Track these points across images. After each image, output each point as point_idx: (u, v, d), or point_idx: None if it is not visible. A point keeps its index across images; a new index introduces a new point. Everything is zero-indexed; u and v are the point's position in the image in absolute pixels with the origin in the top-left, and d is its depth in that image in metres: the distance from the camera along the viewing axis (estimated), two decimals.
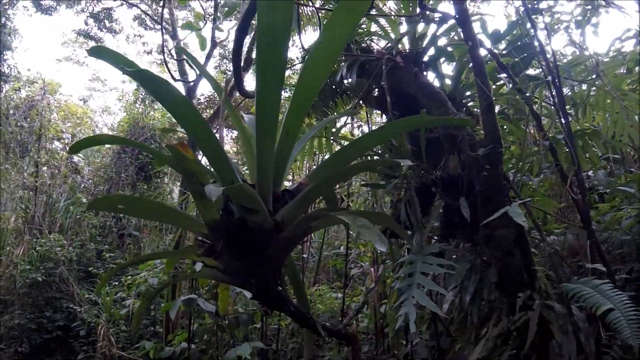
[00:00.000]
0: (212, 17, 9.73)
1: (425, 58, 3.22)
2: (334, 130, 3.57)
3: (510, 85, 3.06)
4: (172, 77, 3.83)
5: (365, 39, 3.54)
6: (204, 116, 11.10)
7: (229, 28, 11.66)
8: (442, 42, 3.31)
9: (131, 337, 7.54)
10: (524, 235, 2.27)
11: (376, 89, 3.38)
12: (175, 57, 9.95)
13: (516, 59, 3.07)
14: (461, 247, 2.45)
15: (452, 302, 2.34)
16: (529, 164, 3.13)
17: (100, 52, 1.22)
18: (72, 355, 8.28)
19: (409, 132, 2.70)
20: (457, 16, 2.59)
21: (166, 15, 11.42)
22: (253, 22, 2.52)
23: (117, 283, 8.45)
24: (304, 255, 5.52)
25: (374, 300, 3.91)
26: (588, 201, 2.63)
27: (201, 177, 1.21)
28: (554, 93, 2.68)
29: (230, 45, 12.12)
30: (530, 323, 2.05)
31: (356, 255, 5.77)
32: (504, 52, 3.18)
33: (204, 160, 1.48)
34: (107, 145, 12.61)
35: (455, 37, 3.42)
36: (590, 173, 4.15)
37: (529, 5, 3.10)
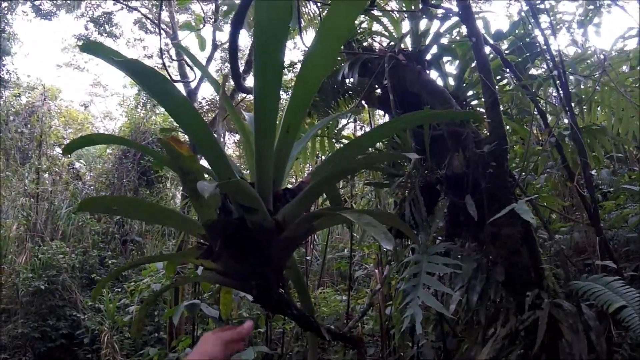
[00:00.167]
0: (213, 19, 9.72)
1: (428, 56, 3.19)
2: (336, 131, 3.54)
3: (513, 83, 3.04)
4: (171, 78, 3.80)
5: (367, 37, 3.52)
6: (206, 120, 11.11)
7: (230, 31, 11.61)
8: (444, 40, 3.28)
9: (135, 343, 7.51)
10: (531, 233, 2.24)
11: (378, 89, 3.36)
12: (175, 59, 9.93)
13: (519, 59, 3.05)
14: (467, 246, 2.41)
15: (458, 302, 2.30)
16: (534, 163, 3.10)
17: (92, 47, 1.18)
18: None
19: (413, 130, 2.67)
20: (460, 12, 2.56)
21: (167, 19, 11.42)
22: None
23: (119, 289, 8.43)
24: (308, 258, 5.49)
25: (379, 302, 3.87)
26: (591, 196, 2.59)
27: (197, 175, 1.15)
28: (559, 89, 2.64)
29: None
30: (539, 322, 2.02)
31: (360, 257, 5.73)
32: (506, 51, 3.16)
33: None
34: (108, 151, 12.63)
35: (458, 38, 3.40)
36: (593, 172, 4.12)
37: (532, 4, 3.07)
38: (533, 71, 3.32)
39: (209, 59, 10.86)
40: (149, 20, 12.62)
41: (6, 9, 11.43)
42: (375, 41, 3.61)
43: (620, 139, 3.39)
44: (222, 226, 1.22)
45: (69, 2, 11.73)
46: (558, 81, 2.64)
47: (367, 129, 5.73)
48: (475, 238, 2.36)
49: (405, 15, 3.29)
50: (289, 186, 1.40)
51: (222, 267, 1.25)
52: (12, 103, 12.41)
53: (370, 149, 2.93)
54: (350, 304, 4.67)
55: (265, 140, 1.23)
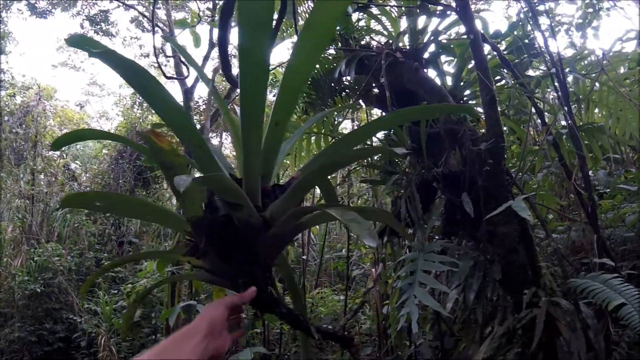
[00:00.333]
0: (210, 17, 9.67)
1: (426, 55, 3.18)
2: (331, 128, 3.53)
3: (510, 82, 3.03)
4: (165, 75, 3.77)
5: (365, 35, 3.51)
6: (202, 119, 11.06)
7: (219, 23, 11.53)
8: (443, 38, 3.28)
9: (132, 346, 7.47)
10: (528, 231, 2.23)
11: (376, 87, 3.35)
12: (170, 55, 9.87)
13: (516, 61, 3.04)
14: (463, 244, 2.40)
15: (455, 300, 2.28)
16: (530, 163, 3.09)
17: (78, 41, 1.16)
18: None
19: (409, 128, 2.65)
20: (458, 9, 2.55)
21: (164, 17, 11.37)
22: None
23: (116, 292, 8.38)
24: (304, 257, 5.47)
25: (375, 301, 3.85)
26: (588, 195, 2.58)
27: (180, 169, 1.11)
28: (557, 87, 2.63)
29: (229, 47, 12.07)
30: (537, 320, 2.00)
31: (358, 257, 5.72)
32: (505, 52, 3.15)
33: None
34: (104, 152, 12.58)
35: (456, 37, 3.39)
36: (590, 173, 4.13)
37: (531, 5, 3.07)
38: (531, 72, 3.32)
39: (206, 57, 10.80)
40: (145, 19, 12.56)
41: (1, 7, 11.36)
42: (374, 39, 3.60)
43: (618, 139, 3.39)
44: (207, 223, 1.19)
45: (64, 0, 11.67)
46: (556, 79, 2.62)
47: None
48: (471, 236, 2.35)
49: (404, 12, 3.27)
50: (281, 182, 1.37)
51: (209, 265, 1.22)
52: (6, 103, 12.33)
53: (365, 144, 2.92)
54: (347, 304, 4.65)
55: (253, 135, 1.20)
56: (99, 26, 12.19)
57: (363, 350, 4.09)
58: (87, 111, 16.04)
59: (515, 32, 3.18)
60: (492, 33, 3.16)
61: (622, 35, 3.53)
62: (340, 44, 3.42)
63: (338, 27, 3.26)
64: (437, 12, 3.04)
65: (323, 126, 3.53)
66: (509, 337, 2.13)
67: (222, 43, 2.19)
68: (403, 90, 2.94)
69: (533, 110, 2.79)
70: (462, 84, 3.23)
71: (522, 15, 3.16)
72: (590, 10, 4.48)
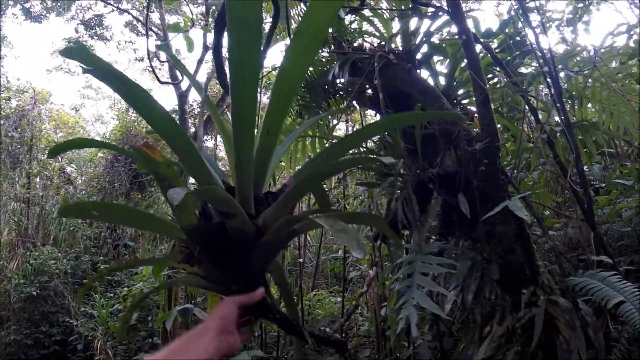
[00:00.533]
0: (204, 21, 9.65)
1: (419, 55, 3.18)
2: (326, 131, 3.52)
3: (503, 81, 3.03)
4: (159, 80, 3.76)
5: (358, 37, 3.50)
6: (196, 122, 11.03)
7: (214, 30, 11.53)
8: (435, 39, 3.27)
9: (129, 349, 7.45)
10: (525, 230, 2.22)
11: (369, 89, 3.34)
12: (164, 60, 9.87)
13: (508, 58, 3.04)
14: (460, 244, 2.39)
15: (453, 301, 2.28)
16: (525, 160, 3.09)
17: (71, 52, 1.16)
18: None
19: (403, 130, 2.65)
20: (449, 10, 2.55)
21: (157, 21, 11.35)
22: None
23: (112, 295, 8.36)
24: (300, 260, 5.46)
25: (374, 303, 3.85)
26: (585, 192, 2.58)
27: (173, 180, 1.13)
28: (550, 85, 2.63)
29: (222, 50, 12.06)
30: (536, 320, 2.00)
31: (354, 258, 5.71)
32: (496, 50, 3.15)
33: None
34: (100, 155, 12.54)
35: (448, 37, 3.39)
36: (585, 168, 4.13)
37: (522, 4, 3.07)
38: (523, 70, 3.32)
39: (200, 61, 10.77)
40: (139, 23, 12.54)
41: None
42: (366, 41, 3.59)
43: (612, 134, 3.40)
44: (201, 231, 1.20)
45: (59, 4, 11.63)
46: (549, 77, 2.62)
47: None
48: (468, 236, 2.35)
49: (396, 14, 3.27)
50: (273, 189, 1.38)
51: (204, 271, 1.23)
52: (2, 107, 12.29)
53: (359, 148, 2.91)
54: (345, 306, 4.65)
55: (245, 143, 1.20)
56: (93, 30, 12.18)
57: (361, 352, 4.09)
58: (82, 115, 16.00)
59: (507, 30, 3.17)
60: (484, 31, 3.16)
61: (613, 29, 3.54)
62: (333, 47, 3.42)
63: (331, 30, 3.25)
64: (429, 14, 3.03)
65: (318, 129, 3.52)
66: (508, 336, 2.12)
67: (217, 51, 2.17)
68: (396, 92, 2.94)
69: (527, 108, 2.79)
70: (455, 83, 3.22)
71: (512, 13, 3.15)
72: (581, 5, 4.49)
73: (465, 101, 3.29)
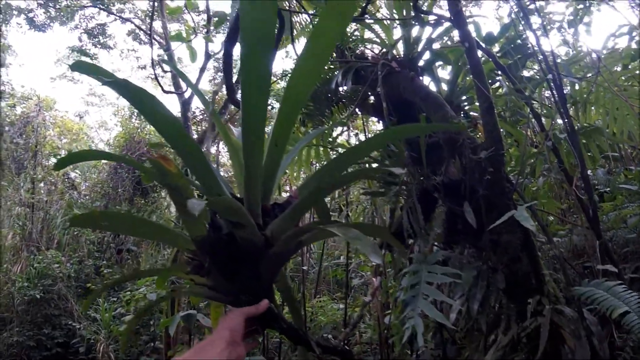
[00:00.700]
0: (205, 29, 9.71)
1: (421, 62, 3.18)
2: (330, 139, 3.52)
3: (506, 87, 3.02)
4: (163, 90, 3.78)
5: (360, 45, 3.50)
6: (199, 130, 11.07)
7: (222, 40, 11.64)
8: (437, 45, 3.27)
9: (131, 353, 7.45)
10: (530, 239, 2.21)
11: (372, 96, 3.34)
12: (168, 70, 9.95)
13: (510, 62, 3.03)
14: (465, 253, 2.38)
15: (458, 310, 2.27)
16: (529, 166, 3.08)
17: (81, 66, 1.18)
18: None
19: (408, 138, 2.64)
20: (452, 17, 2.55)
21: (160, 30, 11.43)
22: None
23: (115, 299, 8.37)
24: (304, 268, 5.45)
25: (377, 311, 3.83)
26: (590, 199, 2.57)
27: (184, 191, 1.16)
28: (554, 92, 2.62)
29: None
30: (541, 329, 1.99)
31: (357, 265, 5.70)
32: (498, 54, 3.15)
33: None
34: (103, 161, 12.59)
35: (449, 42, 3.39)
36: (589, 172, 4.11)
37: (522, 6, 3.06)
38: (525, 73, 3.31)
39: (202, 69, 10.85)
40: (142, 32, 12.64)
41: (1, 20, 11.42)
42: (367, 48, 3.59)
43: (615, 139, 3.39)
44: (211, 242, 1.22)
45: (62, 14, 11.72)
46: (552, 84, 2.62)
47: (362, 137, 5.73)
48: (473, 245, 2.34)
49: (398, 23, 3.27)
50: (278, 200, 1.39)
51: (212, 282, 1.25)
52: (7, 113, 12.39)
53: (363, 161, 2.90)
54: (347, 313, 4.64)
55: (254, 155, 1.22)
56: (96, 39, 12.28)
57: None
58: (86, 121, 16.10)
59: (508, 33, 3.17)
60: (485, 36, 3.15)
61: (615, 31, 3.53)
62: (335, 55, 3.42)
63: None
64: (431, 22, 3.03)
65: (322, 139, 3.52)
66: (513, 345, 2.11)
67: (227, 67, 2.18)
68: (399, 99, 2.94)
69: (530, 114, 2.78)
70: (458, 89, 3.22)
71: (513, 16, 3.14)
72: (581, 6, 4.47)
73: (468, 107, 3.29)
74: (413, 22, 3.05)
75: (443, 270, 1.96)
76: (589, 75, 3.06)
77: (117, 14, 12.33)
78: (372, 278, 4.09)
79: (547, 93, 3.58)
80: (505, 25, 3.20)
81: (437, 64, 3.30)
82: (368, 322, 4.51)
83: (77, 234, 10.70)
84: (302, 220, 1.51)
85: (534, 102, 2.85)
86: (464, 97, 3.24)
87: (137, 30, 12.83)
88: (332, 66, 3.48)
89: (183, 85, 10.34)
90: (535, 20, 3.35)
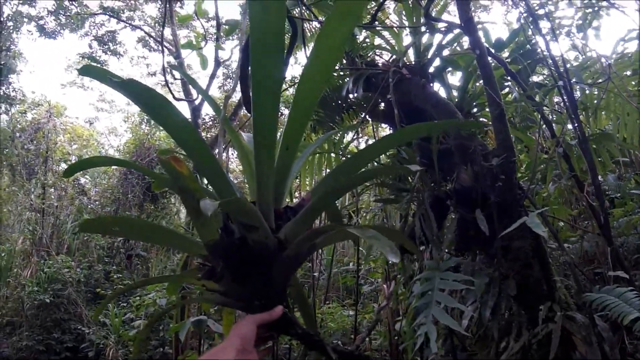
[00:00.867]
0: (215, 36, 9.78)
1: (431, 69, 3.19)
2: (342, 146, 3.53)
3: (516, 92, 3.03)
4: (174, 96, 3.81)
5: (370, 52, 3.53)
6: (209, 136, 11.13)
7: (231, 47, 11.76)
8: (447, 52, 3.29)
9: (140, 358, 7.47)
10: (542, 245, 2.22)
11: (382, 103, 3.36)
12: (178, 78, 10.03)
13: (520, 67, 3.04)
14: (477, 260, 2.39)
15: (470, 317, 2.27)
16: (540, 172, 3.08)
17: (89, 70, 1.20)
18: None
19: (419, 145, 2.66)
20: (462, 25, 2.57)
21: (170, 37, 11.53)
22: None
23: (125, 304, 8.41)
24: (315, 274, 5.44)
25: (387, 318, 3.83)
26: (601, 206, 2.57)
27: (197, 194, 1.13)
28: (565, 99, 2.63)
29: (234, 65, 12.24)
30: (552, 335, 1.99)
31: (366, 271, 5.69)
32: (508, 59, 3.16)
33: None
34: (113, 167, 12.69)
35: (458, 49, 3.40)
36: (599, 178, 4.10)
37: (531, 11, 3.07)
38: (534, 78, 3.31)
39: (212, 76, 10.93)
40: (152, 39, 12.76)
41: (11, 28, 11.57)
42: (377, 55, 3.62)
43: (626, 145, 3.38)
44: (224, 246, 1.20)
45: (72, 21, 11.87)
46: (563, 91, 2.62)
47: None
48: (485, 252, 2.34)
49: (409, 30, 3.29)
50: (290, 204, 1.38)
51: (225, 287, 1.23)
52: (18, 120, 12.55)
53: (375, 162, 2.92)
54: (357, 319, 4.63)
55: (265, 158, 1.21)
56: (106, 46, 12.39)
57: None
58: (96, 127, 16.25)
59: (518, 38, 3.17)
60: (495, 41, 3.16)
61: (624, 35, 3.52)
62: (346, 62, 3.45)
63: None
64: (442, 29, 3.05)
65: (334, 147, 3.53)
66: (524, 352, 2.11)
67: (244, 76, 2.19)
68: (410, 106, 2.95)
69: (540, 120, 2.78)
70: (468, 95, 3.23)
71: (522, 21, 3.15)
72: (590, 10, 4.46)
73: (479, 113, 3.30)
74: (425, 31, 3.07)
75: (455, 277, 1.96)
76: (600, 81, 3.06)
77: (127, 22, 12.46)
78: (383, 285, 4.09)
79: (557, 98, 3.57)
80: (514, 31, 3.21)
81: (447, 70, 3.32)
82: (378, 328, 4.49)
83: (87, 239, 10.78)
84: (313, 226, 1.51)
85: (546, 107, 2.86)
86: (474, 104, 3.25)
87: (147, 38, 12.96)
88: (342, 73, 3.51)
89: (193, 92, 10.44)
90: (544, 25, 3.35)
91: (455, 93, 3.28)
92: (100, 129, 16.64)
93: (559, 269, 2.97)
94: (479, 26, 3.22)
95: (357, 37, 3.35)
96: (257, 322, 1.08)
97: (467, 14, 2.58)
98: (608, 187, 4.09)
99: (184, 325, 3.76)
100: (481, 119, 3.26)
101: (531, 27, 3.07)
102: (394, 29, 3.50)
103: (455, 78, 3.49)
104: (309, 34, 3.76)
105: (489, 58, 2.59)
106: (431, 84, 3.12)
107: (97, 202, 12.59)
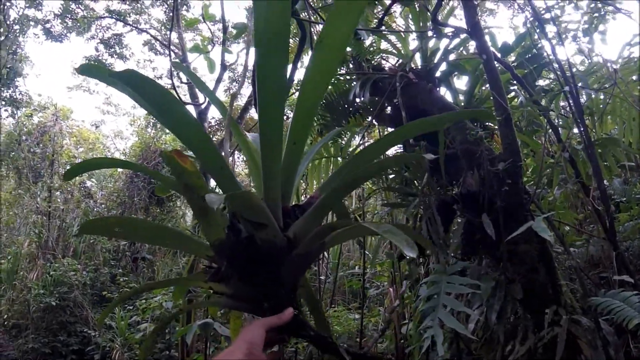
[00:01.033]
0: (222, 39, 9.83)
1: (438, 73, 3.21)
2: (349, 150, 3.55)
3: (522, 96, 3.04)
4: (181, 100, 3.81)
5: (376, 56, 3.55)
6: (215, 140, 11.18)
7: (238, 51, 11.81)
8: (453, 56, 3.30)
9: None
10: (548, 249, 2.23)
11: (389, 107, 3.37)
12: (184, 82, 10.08)
13: (526, 71, 3.05)
14: (483, 264, 2.40)
15: (476, 321, 2.28)
16: (546, 176, 3.08)
17: (88, 69, 1.20)
18: None
19: (426, 148, 2.68)
20: (469, 29, 2.58)
21: (176, 40, 11.60)
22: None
23: (131, 307, 8.44)
24: (322, 277, 5.44)
25: (394, 321, 3.84)
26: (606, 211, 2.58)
27: (202, 191, 1.08)
28: (571, 104, 2.64)
29: (239, 69, 12.28)
30: (558, 339, 2.00)
31: (372, 275, 5.69)
32: (514, 64, 3.17)
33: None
34: (119, 170, 12.75)
35: (465, 53, 3.42)
36: (605, 182, 4.09)
37: (538, 15, 3.09)
38: (540, 82, 3.32)
39: (218, 80, 10.98)
40: (158, 42, 12.84)
41: (18, 31, 11.67)
42: (384, 59, 3.64)
43: (632, 150, 3.38)
44: (230, 246, 1.16)
45: (79, 25, 11.96)
46: (570, 96, 2.64)
47: None
48: (491, 256, 2.35)
49: (416, 35, 3.31)
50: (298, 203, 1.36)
51: (233, 289, 1.19)
52: (24, 123, 12.63)
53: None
54: (363, 323, 4.63)
55: (272, 154, 1.19)
56: (112, 49, 12.48)
57: None
58: (102, 131, 16.34)
59: (523, 43, 3.19)
60: (501, 46, 3.17)
61: (630, 40, 3.53)
62: (353, 66, 3.47)
63: (350, 49, 3.31)
64: (449, 34, 3.07)
65: (341, 151, 3.55)
66: (530, 356, 2.12)
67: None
68: (417, 110, 2.97)
69: (547, 125, 2.79)
70: (475, 100, 3.24)
71: (528, 25, 3.16)
72: (596, 14, 4.46)
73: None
74: (432, 35, 3.09)
75: (462, 281, 1.97)
76: (606, 86, 3.07)
77: (133, 25, 12.55)
78: (389, 288, 4.10)
79: (563, 103, 3.58)
80: (520, 35, 3.23)
81: (454, 74, 3.33)
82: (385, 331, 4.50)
83: (93, 242, 10.83)
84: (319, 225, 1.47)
85: (552, 111, 2.87)
86: (481, 108, 3.25)
87: (153, 41, 13.04)
88: (348, 78, 3.53)
89: (200, 96, 10.50)
90: (551, 29, 3.36)
91: (461, 97, 3.29)
92: (106, 132, 16.74)
93: (564, 273, 2.97)
94: (486, 30, 3.24)
95: (364, 40, 3.37)
96: (265, 326, 1.05)
97: (474, 19, 2.59)
98: (614, 191, 4.09)
99: (191, 329, 3.76)
100: (488, 123, 3.27)
101: (537, 31, 3.09)
102: (401, 33, 3.52)
103: (461, 82, 3.52)
104: (317, 38, 3.79)
105: (496, 62, 2.61)
106: (438, 88, 3.13)
107: (103, 205, 12.65)
